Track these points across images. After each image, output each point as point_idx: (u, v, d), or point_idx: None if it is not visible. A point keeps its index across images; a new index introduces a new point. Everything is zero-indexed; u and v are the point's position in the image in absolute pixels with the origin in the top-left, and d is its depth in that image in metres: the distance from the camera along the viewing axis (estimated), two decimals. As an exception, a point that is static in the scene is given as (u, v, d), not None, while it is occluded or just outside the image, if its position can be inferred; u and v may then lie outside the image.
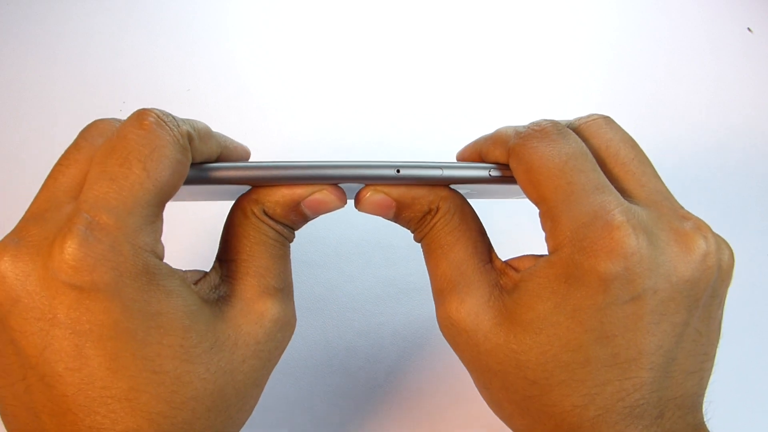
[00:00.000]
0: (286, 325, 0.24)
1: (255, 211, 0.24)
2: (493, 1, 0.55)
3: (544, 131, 0.22)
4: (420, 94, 0.49)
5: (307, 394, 0.35)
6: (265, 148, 0.45)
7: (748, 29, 0.54)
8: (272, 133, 0.46)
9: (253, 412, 0.34)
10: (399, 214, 0.25)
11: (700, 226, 0.22)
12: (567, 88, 0.49)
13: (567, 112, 0.50)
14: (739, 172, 0.46)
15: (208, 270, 0.24)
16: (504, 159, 0.24)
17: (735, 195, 0.45)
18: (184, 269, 0.22)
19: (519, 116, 0.50)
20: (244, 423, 0.24)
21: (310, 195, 0.23)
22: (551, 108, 0.48)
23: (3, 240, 0.20)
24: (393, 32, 0.53)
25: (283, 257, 0.24)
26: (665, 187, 0.24)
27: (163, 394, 0.19)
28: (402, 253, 0.40)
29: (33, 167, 0.43)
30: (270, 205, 0.24)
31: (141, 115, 0.21)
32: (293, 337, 0.38)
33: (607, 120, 0.24)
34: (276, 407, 0.35)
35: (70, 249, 0.18)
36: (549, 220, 0.22)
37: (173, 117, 0.21)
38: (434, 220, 0.24)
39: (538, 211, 0.23)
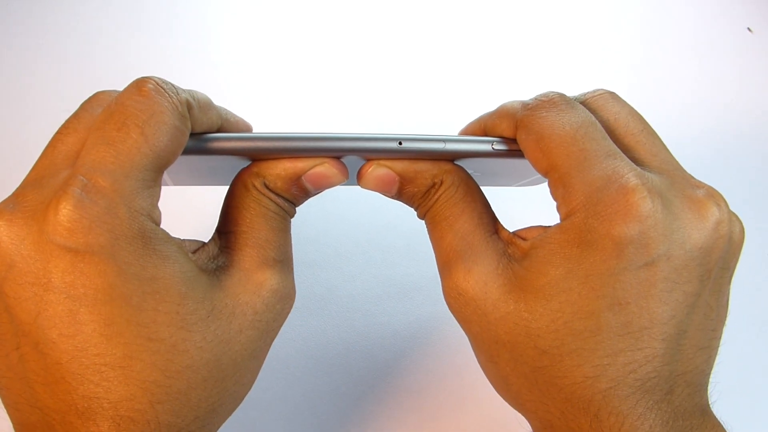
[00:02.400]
0: (284, 297, 0.23)
1: (256, 184, 0.23)
2: None
3: (552, 101, 0.22)
4: (422, 74, 0.49)
5: (308, 393, 0.35)
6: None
7: (748, 29, 0.54)
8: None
9: (253, 412, 0.34)
10: (402, 190, 0.24)
11: (713, 194, 0.22)
12: (564, 88, 0.49)
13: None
14: (739, 173, 0.46)
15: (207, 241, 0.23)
16: (510, 133, 0.23)
17: (735, 197, 0.45)
18: (182, 238, 0.22)
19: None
20: (241, 398, 0.23)
21: (311, 168, 0.23)
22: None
23: (7, 200, 0.20)
24: (398, 14, 0.53)
25: (283, 230, 0.24)
26: (675, 158, 0.24)
27: (158, 362, 0.19)
28: (402, 252, 0.40)
29: (33, 167, 0.43)
30: (271, 178, 0.23)
31: (140, 82, 0.21)
32: (293, 336, 0.38)
33: (613, 94, 0.24)
34: (276, 407, 0.35)
35: (65, 210, 0.18)
36: (561, 187, 0.21)
37: (173, 85, 0.21)
38: (438, 193, 0.24)
39: (542, 190, 0.23)
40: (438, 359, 0.36)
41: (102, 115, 0.20)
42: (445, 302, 0.25)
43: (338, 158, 0.23)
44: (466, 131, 0.26)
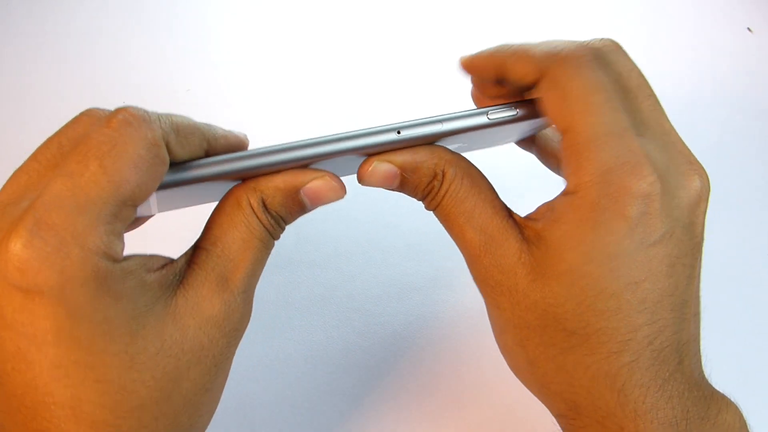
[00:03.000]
0: (231, 331, 0.23)
1: (252, 201, 0.22)
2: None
3: (582, 59, 0.22)
4: (420, 72, 0.49)
5: (308, 394, 0.35)
6: (269, 144, 0.45)
7: (748, 29, 0.54)
8: (275, 132, 0.46)
9: (253, 412, 0.34)
10: (404, 182, 0.24)
11: (699, 169, 0.23)
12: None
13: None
14: (739, 174, 0.46)
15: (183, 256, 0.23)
16: (530, 78, 0.23)
17: (735, 197, 0.45)
18: (151, 254, 0.21)
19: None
20: (202, 429, 0.23)
21: (310, 181, 0.23)
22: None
23: None
24: (397, 13, 0.53)
25: (260, 260, 0.23)
26: (673, 126, 0.24)
27: (107, 402, 0.19)
28: (402, 252, 0.40)
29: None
30: (269, 192, 0.22)
31: (112, 114, 0.20)
32: (293, 336, 0.38)
33: (620, 46, 0.25)
34: (276, 407, 0.35)
35: (15, 249, 0.17)
36: (574, 154, 0.22)
37: (146, 113, 0.20)
38: (444, 188, 0.24)
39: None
40: (438, 359, 0.36)
41: (71, 146, 0.20)
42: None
43: (335, 156, 0.23)
44: (472, 61, 0.26)
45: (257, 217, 0.23)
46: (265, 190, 0.23)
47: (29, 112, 0.46)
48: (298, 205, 0.23)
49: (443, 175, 0.24)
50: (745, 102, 0.50)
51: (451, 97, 0.49)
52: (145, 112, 0.20)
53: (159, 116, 0.21)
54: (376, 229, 0.41)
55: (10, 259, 0.18)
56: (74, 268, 0.18)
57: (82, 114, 0.22)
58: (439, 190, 0.24)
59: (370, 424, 0.34)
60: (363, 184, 0.24)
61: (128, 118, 0.20)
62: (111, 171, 0.19)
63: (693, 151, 0.24)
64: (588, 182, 0.22)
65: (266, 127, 0.47)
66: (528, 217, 0.24)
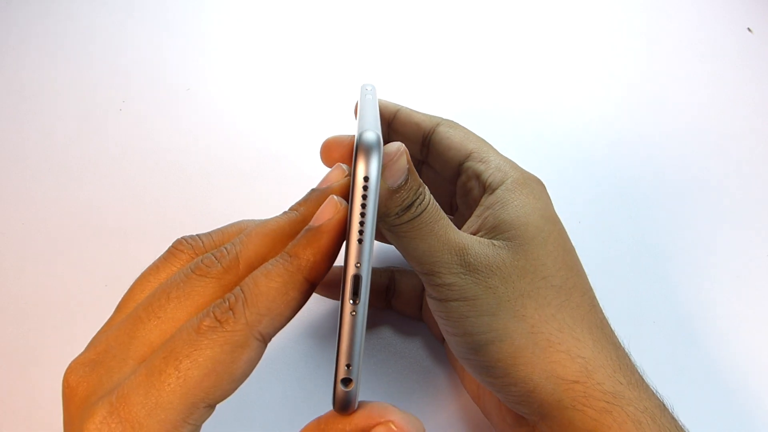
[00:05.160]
0: None
1: None
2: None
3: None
4: (423, 74, 0.49)
5: (308, 394, 0.35)
6: (269, 144, 0.45)
7: (748, 29, 0.54)
8: (275, 131, 0.46)
9: (253, 412, 0.34)
10: (406, 183, 0.24)
11: None
12: (563, 87, 0.49)
13: (566, 112, 0.50)
14: (739, 173, 0.46)
15: None
16: (428, 126, 0.32)
17: (734, 197, 0.44)
18: None
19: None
20: None
21: (374, 428, 0.21)
22: (553, 108, 0.48)
23: (78, 360, 0.21)
24: (399, 16, 0.53)
25: None
26: None
27: None
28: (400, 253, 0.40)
29: (33, 165, 0.43)
30: None
31: (204, 315, 0.20)
32: (294, 337, 0.38)
33: None
34: (277, 408, 0.34)
35: (88, 429, 0.19)
36: (490, 162, 0.30)
37: (234, 308, 0.20)
38: (428, 197, 0.25)
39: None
40: (437, 360, 0.36)
41: (169, 334, 0.20)
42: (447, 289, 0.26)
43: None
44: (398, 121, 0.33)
45: None
46: None
47: (29, 111, 0.46)
48: None
49: (424, 187, 0.25)
50: (745, 102, 0.50)
51: (454, 99, 0.49)
52: (235, 302, 0.20)
53: (246, 308, 0.20)
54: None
55: None
56: None
57: (193, 273, 0.21)
58: (425, 196, 0.25)
59: (370, 424, 0.34)
60: (386, 176, 0.23)
61: (214, 323, 0.20)
62: (184, 376, 0.19)
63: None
64: (514, 172, 0.29)
65: (267, 127, 0.47)
66: (467, 226, 0.28)
